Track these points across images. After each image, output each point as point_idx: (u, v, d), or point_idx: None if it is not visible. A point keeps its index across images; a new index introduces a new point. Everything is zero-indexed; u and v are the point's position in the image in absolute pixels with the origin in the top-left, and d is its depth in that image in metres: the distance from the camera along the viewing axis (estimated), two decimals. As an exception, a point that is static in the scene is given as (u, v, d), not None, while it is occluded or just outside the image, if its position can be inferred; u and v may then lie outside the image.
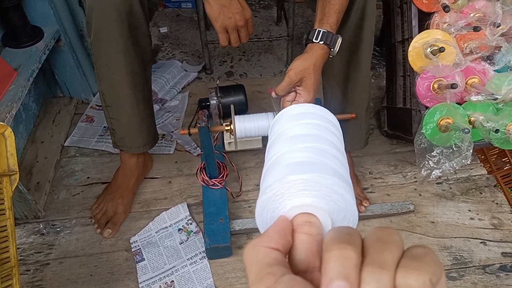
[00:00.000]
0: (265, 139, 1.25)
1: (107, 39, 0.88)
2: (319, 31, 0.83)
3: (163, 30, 1.76)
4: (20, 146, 1.25)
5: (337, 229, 0.24)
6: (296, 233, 0.26)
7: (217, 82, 1.17)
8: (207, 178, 1.09)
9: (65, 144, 1.30)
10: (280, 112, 0.41)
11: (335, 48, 0.85)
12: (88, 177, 1.22)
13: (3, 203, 0.80)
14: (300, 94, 0.84)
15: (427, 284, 0.20)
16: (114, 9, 0.84)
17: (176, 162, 1.25)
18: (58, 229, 1.10)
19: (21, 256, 1.04)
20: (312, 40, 0.83)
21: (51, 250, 1.06)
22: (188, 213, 1.11)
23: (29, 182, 1.18)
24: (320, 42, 0.83)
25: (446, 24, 1.02)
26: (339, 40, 0.85)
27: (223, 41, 0.89)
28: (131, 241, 1.06)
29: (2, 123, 0.83)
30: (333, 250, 0.22)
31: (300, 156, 0.33)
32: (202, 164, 1.10)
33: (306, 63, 0.82)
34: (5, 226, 0.80)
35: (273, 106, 0.92)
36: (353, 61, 1.00)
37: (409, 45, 1.04)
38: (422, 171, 0.92)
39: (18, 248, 1.05)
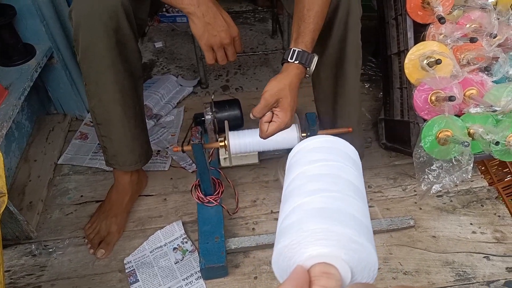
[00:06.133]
0: (261, 154, 1.23)
1: (95, 56, 0.87)
2: (294, 51, 0.82)
3: (158, 45, 1.76)
4: (13, 165, 1.23)
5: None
6: (313, 286, 0.25)
7: (212, 97, 1.16)
8: (202, 195, 1.06)
9: (58, 162, 1.28)
10: (303, 144, 0.39)
11: (311, 67, 0.84)
12: (81, 196, 1.19)
13: (-10, 227, 0.78)
14: (277, 115, 0.83)
15: None
16: (101, 26, 0.83)
17: (171, 178, 1.23)
18: (50, 249, 1.07)
19: (11, 279, 1.01)
20: (287, 59, 0.82)
21: (43, 272, 1.03)
22: (183, 231, 1.08)
23: (22, 202, 1.15)
24: (295, 62, 0.82)
25: (442, 35, 1.01)
26: (315, 59, 0.85)
27: (209, 59, 0.88)
28: (125, 261, 1.03)
29: (-11, 144, 0.81)
30: None
31: (319, 201, 0.31)
32: (197, 181, 1.08)
33: (281, 84, 0.81)
34: (-8, 250, 0.77)
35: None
36: (340, 76, 0.99)
37: (405, 57, 1.02)
38: (422, 186, 0.90)
39: (9, 271, 1.02)
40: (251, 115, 0.83)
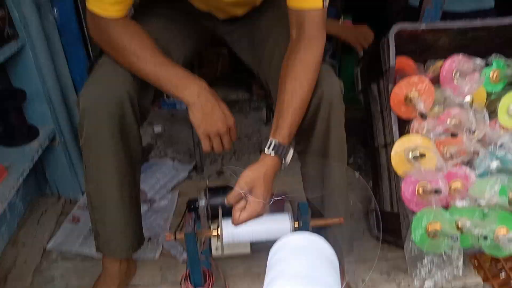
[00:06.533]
0: (253, 244, 1.22)
1: (97, 142, 0.90)
2: (271, 142, 0.87)
3: (157, 129, 1.83)
4: (-1, 249, 1.21)
5: None
6: None
7: (207, 183, 1.18)
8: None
9: (47, 247, 1.25)
10: (281, 243, 0.41)
11: (287, 159, 0.88)
12: (67, 284, 1.15)
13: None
14: (250, 203, 0.86)
15: None
16: (106, 113, 0.87)
17: (160, 269, 1.20)
18: None
19: None
20: (264, 150, 0.87)
21: None
22: (170, 324, 1.03)
23: (3, 289, 1.11)
24: (271, 154, 0.86)
25: (425, 130, 1.07)
26: (291, 152, 0.89)
27: (206, 147, 0.92)
28: None
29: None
30: None
31: None
32: (187, 272, 1.06)
33: (256, 173, 0.85)
34: None
35: None
36: (325, 169, 1.01)
37: (391, 149, 1.07)
38: (415, 282, 0.89)
39: None
40: (225, 201, 0.86)
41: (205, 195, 1.12)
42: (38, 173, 1.41)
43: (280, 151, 0.86)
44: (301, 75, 0.87)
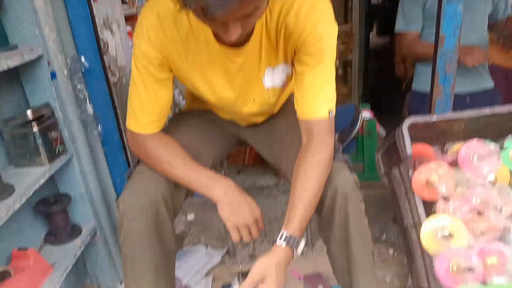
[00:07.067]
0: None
1: (135, 239, 0.97)
2: (282, 234, 0.92)
3: (190, 217, 1.90)
4: None
5: None
6: None
7: (239, 269, 1.21)
8: None
9: None
10: None
11: (298, 250, 0.93)
12: None
13: None
14: None
15: None
16: (143, 214, 0.95)
17: None
18: None
19: None
20: (276, 241, 0.92)
21: None
22: None
23: None
24: (282, 244, 0.91)
25: (451, 209, 1.08)
26: (303, 243, 0.94)
27: (235, 237, 0.98)
28: None
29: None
30: None
31: None
32: None
33: (268, 263, 0.89)
34: None
35: None
36: (350, 255, 1.03)
37: (420, 228, 1.08)
38: None
39: None
40: None
41: (238, 280, 1.15)
42: (79, 265, 1.48)
43: (291, 242, 0.91)
44: (310, 174, 0.95)
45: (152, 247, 0.99)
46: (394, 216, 1.69)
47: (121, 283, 1.51)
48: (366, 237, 1.04)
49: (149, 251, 0.99)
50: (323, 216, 1.04)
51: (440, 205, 1.08)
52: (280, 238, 0.92)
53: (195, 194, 2.03)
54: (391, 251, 1.58)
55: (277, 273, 0.89)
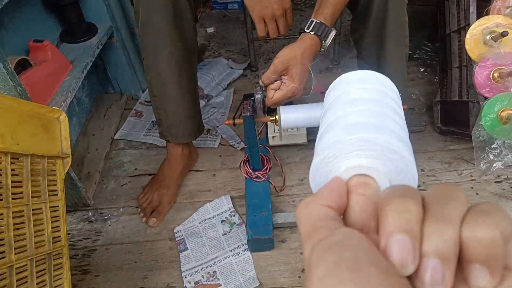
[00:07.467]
0: (310, 134, 1.23)
1: (153, 28, 0.91)
2: (312, 21, 0.82)
3: (210, 30, 1.79)
4: (73, 138, 1.31)
5: (395, 186, 0.22)
6: (351, 194, 0.24)
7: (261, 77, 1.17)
8: (250, 171, 1.08)
9: (115, 137, 1.34)
10: (338, 79, 0.38)
11: (327, 41, 0.84)
12: (135, 169, 1.24)
13: (56, 184, 0.83)
14: (285, 83, 0.83)
15: (497, 237, 0.17)
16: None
17: (220, 155, 1.25)
18: (105, 217, 1.13)
19: (70, 241, 1.08)
20: (304, 29, 0.82)
21: (99, 237, 1.09)
22: (231, 205, 1.10)
23: (80, 172, 1.23)
24: (311, 33, 0.81)
25: (509, 9, 0.95)
26: (332, 33, 0.84)
27: (260, 31, 0.89)
28: (175, 230, 1.07)
29: (57, 108, 0.87)
30: (392, 203, 0.20)
31: (355, 118, 0.30)
32: (246, 157, 1.09)
33: (294, 52, 0.82)
34: (57, 206, 0.82)
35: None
36: (381, 57, 0.96)
37: (466, 33, 0.98)
38: (481, 165, 0.85)
39: (68, 234, 1.09)
40: (260, 82, 0.84)
41: (261, 88, 1.11)
42: (100, 73, 1.46)
43: (320, 31, 0.82)
44: None
45: (172, 37, 0.93)
46: (430, 33, 1.56)
47: (143, 91, 1.51)
48: (402, 37, 0.94)
49: (169, 43, 0.93)
50: (358, 11, 0.92)
51: (497, 2, 0.95)
52: (309, 26, 0.83)
53: (214, 4, 1.92)
54: (421, 69, 1.50)
55: (302, 63, 0.83)
